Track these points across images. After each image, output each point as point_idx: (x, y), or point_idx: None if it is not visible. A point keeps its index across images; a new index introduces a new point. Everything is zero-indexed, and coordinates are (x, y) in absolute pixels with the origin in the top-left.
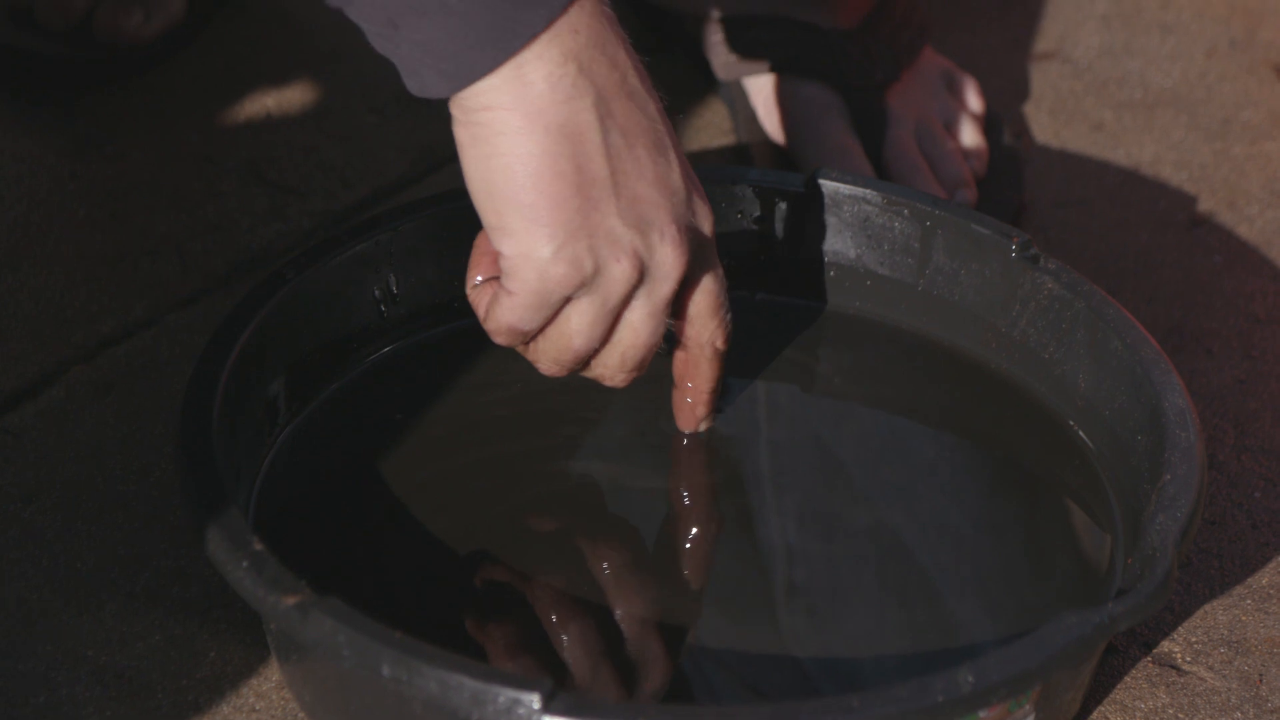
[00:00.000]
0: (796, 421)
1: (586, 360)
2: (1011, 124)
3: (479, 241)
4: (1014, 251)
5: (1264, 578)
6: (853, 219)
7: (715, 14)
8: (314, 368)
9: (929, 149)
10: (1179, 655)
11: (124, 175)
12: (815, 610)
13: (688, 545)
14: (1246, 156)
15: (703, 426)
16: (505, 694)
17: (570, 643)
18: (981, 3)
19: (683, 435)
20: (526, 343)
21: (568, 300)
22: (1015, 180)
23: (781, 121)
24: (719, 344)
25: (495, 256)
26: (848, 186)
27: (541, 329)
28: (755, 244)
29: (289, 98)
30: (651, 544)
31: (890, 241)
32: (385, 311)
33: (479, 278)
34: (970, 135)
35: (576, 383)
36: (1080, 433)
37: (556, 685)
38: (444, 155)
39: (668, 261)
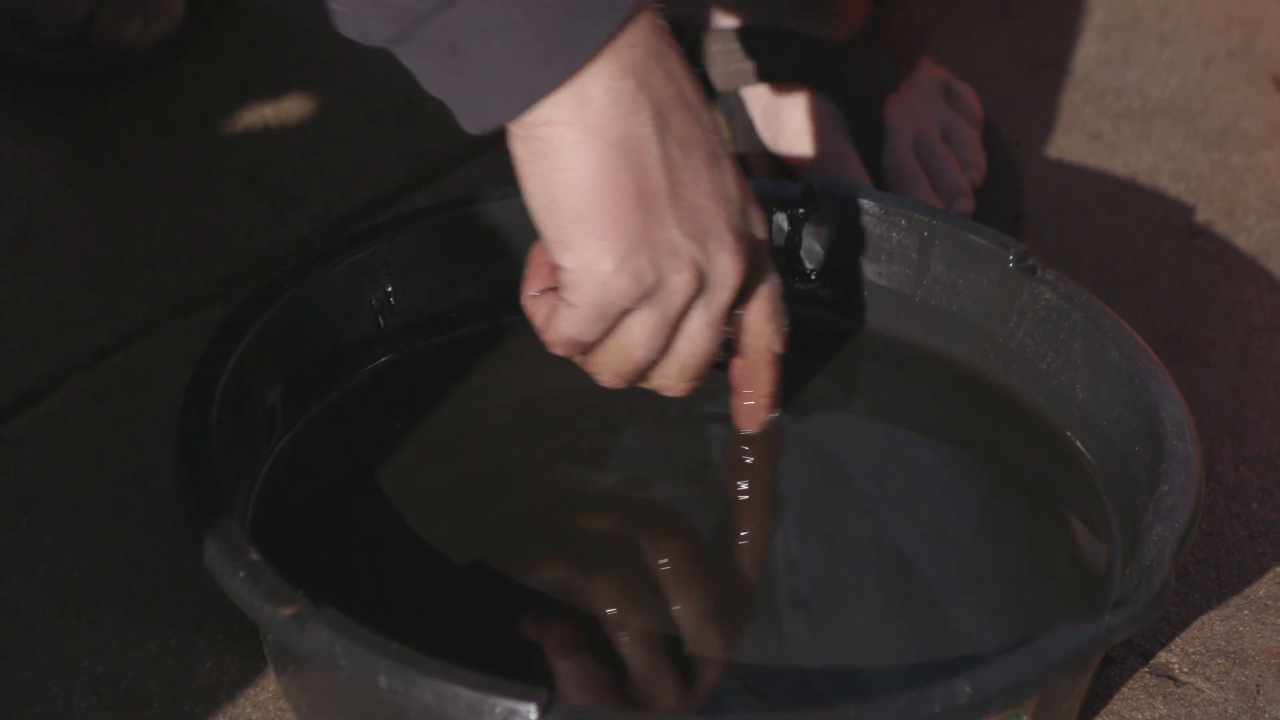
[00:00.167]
0: (796, 431)
1: (646, 371)
2: (1009, 134)
3: (535, 252)
4: (1012, 262)
5: (1261, 588)
6: (850, 229)
7: (713, 24)
8: (312, 376)
9: (927, 159)
10: (1176, 666)
11: (123, 181)
12: (817, 619)
13: (687, 554)
14: (1244, 166)
15: (764, 427)
16: (502, 704)
17: (568, 652)
18: (979, 13)
19: (683, 440)
20: (584, 354)
21: (627, 312)
22: (1013, 190)
23: (779, 132)
24: (776, 348)
25: (552, 267)
26: (845, 196)
27: (600, 340)
28: None
29: (288, 104)
30: (651, 552)
31: (888, 252)
32: (383, 320)
33: (536, 289)
34: (968, 145)
35: (575, 390)
36: (1078, 443)
37: (553, 695)
38: (443, 163)
39: (726, 270)
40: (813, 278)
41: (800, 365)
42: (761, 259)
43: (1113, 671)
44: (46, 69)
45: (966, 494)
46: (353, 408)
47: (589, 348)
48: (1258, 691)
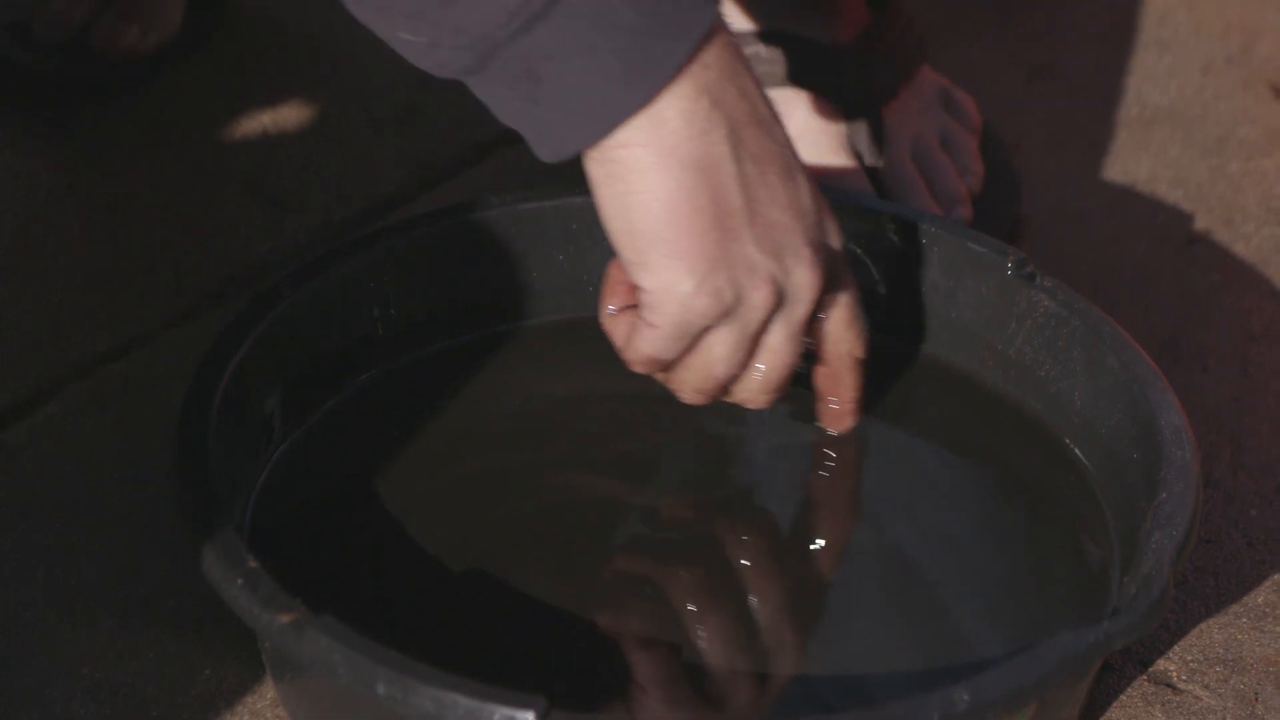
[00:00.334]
0: (794, 437)
1: (728, 386)
2: (1007, 141)
3: (611, 269)
4: (1010, 269)
5: (1260, 596)
6: (849, 236)
7: None
8: (310, 382)
9: (925, 166)
10: (1175, 674)
11: (121, 188)
12: (818, 624)
13: (687, 560)
14: (1243, 173)
15: (848, 429)
16: (500, 712)
17: (567, 660)
18: (977, 20)
19: (684, 445)
20: (665, 371)
21: (707, 329)
22: (1011, 197)
23: None
24: (858, 353)
25: (630, 285)
26: (843, 203)
27: (681, 358)
28: None
29: (286, 111)
30: (651, 559)
31: (887, 258)
32: (382, 327)
33: (613, 306)
34: (966, 152)
35: (574, 397)
36: (1076, 450)
37: (552, 703)
38: (441, 170)
39: (804, 283)
40: None
41: (798, 373)
42: (838, 267)
43: (1111, 679)
44: (45, 75)
45: (965, 500)
46: (351, 415)
47: (669, 365)
48: (1256, 699)
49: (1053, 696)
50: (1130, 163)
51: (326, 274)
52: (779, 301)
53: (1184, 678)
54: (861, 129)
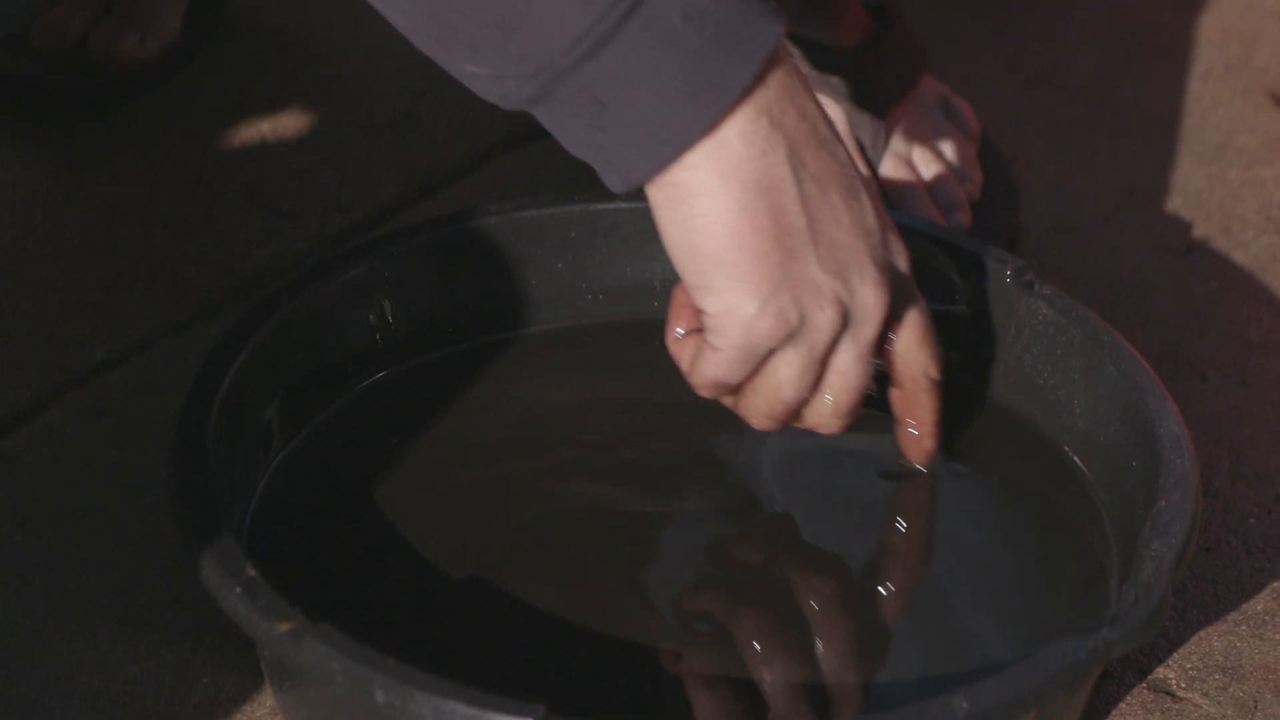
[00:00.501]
0: (794, 444)
1: (798, 410)
2: (1006, 149)
3: (677, 293)
4: (1009, 277)
5: (1259, 604)
6: None
7: None
8: (309, 391)
9: (925, 173)
10: (1174, 681)
11: (119, 199)
12: (816, 627)
13: (689, 568)
14: (1241, 182)
15: (933, 458)
16: (499, 719)
17: (567, 667)
18: (976, 28)
19: (684, 452)
20: (733, 394)
21: (772, 352)
22: (1010, 205)
23: None
24: (933, 374)
25: (695, 309)
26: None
27: (746, 381)
28: None
29: (284, 121)
30: (651, 567)
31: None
32: (380, 335)
33: (680, 330)
34: (966, 160)
35: (574, 405)
36: (1075, 458)
37: (550, 710)
38: (440, 178)
39: (870, 303)
40: None
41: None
42: (906, 287)
43: (1110, 686)
44: (43, 85)
45: (964, 508)
46: (350, 423)
47: (736, 389)
48: (1255, 707)
49: (1052, 704)
50: (1128, 171)
51: (324, 283)
52: (845, 322)
53: (1183, 685)
54: (866, 131)
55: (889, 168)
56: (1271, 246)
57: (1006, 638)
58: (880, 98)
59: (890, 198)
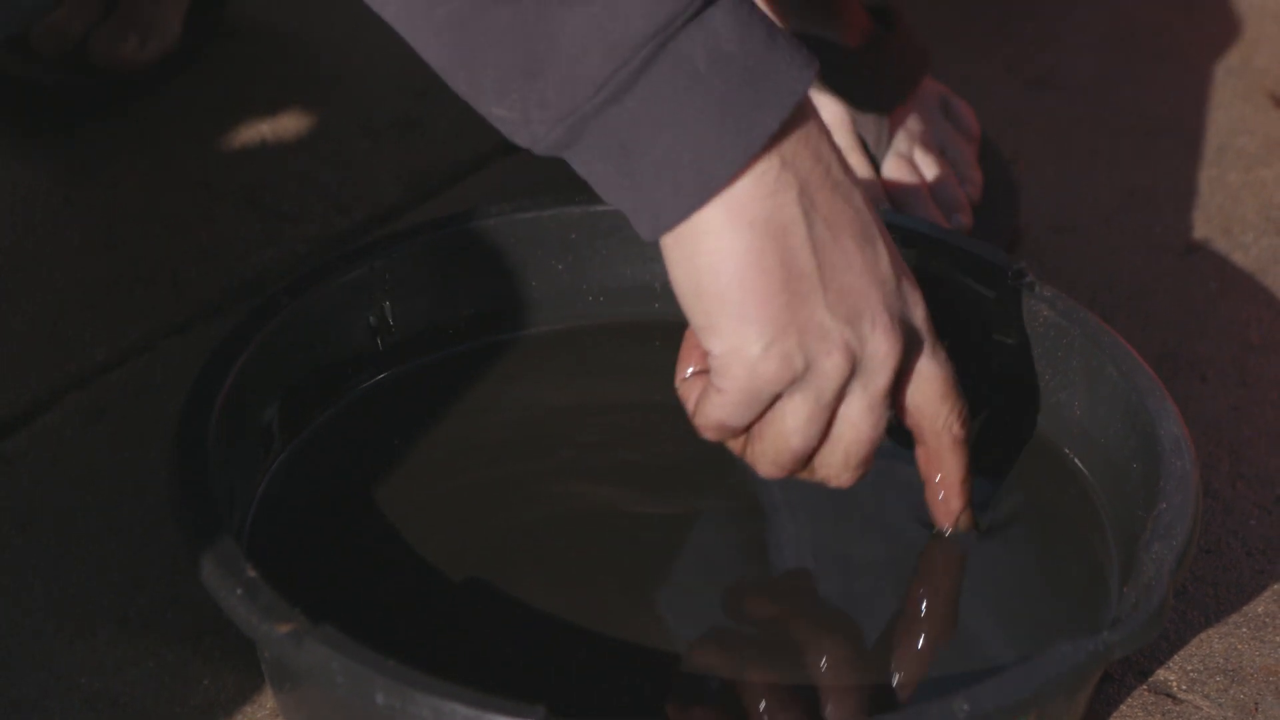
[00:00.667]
0: None
1: (807, 460)
2: (1006, 150)
3: (687, 336)
4: (1009, 278)
5: (1260, 605)
6: None
7: None
8: (309, 393)
9: (927, 174)
10: (1175, 683)
11: (119, 201)
12: (815, 629)
13: (690, 571)
14: (1241, 183)
15: (963, 523)
16: None
17: (567, 669)
18: (976, 29)
19: (684, 455)
20: (739, 438)
21: (778, 397)
22: (1010, 206)
23: None
24: (955, 430)
25: (703, 350)
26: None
27: (751, 425)
28: None
29: (284, 123)
30: (652, 569)
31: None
32: (380, 337)
33: (689, 370)
34: (965, 161)
35: (574, 407)
36: (1075, 460)
37: (551, 712)
38: (440, 180)
39: (881, 351)
40: None
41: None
42: (920, 338)
43: (1111, 689)
44: (42, 88)
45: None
46: (350, 425)
47: (740, 433)
48: (1256, 709)
49: (1052, 706)
50: (1129, 172)
51: (324, 285)
52: (854, 370)
53: (1184, 687)
54: (870, 130)
55: (892, 168)
56: (1271, 248)
57: (1007, 639)
58: (883, 98)
59: (893, 198)
